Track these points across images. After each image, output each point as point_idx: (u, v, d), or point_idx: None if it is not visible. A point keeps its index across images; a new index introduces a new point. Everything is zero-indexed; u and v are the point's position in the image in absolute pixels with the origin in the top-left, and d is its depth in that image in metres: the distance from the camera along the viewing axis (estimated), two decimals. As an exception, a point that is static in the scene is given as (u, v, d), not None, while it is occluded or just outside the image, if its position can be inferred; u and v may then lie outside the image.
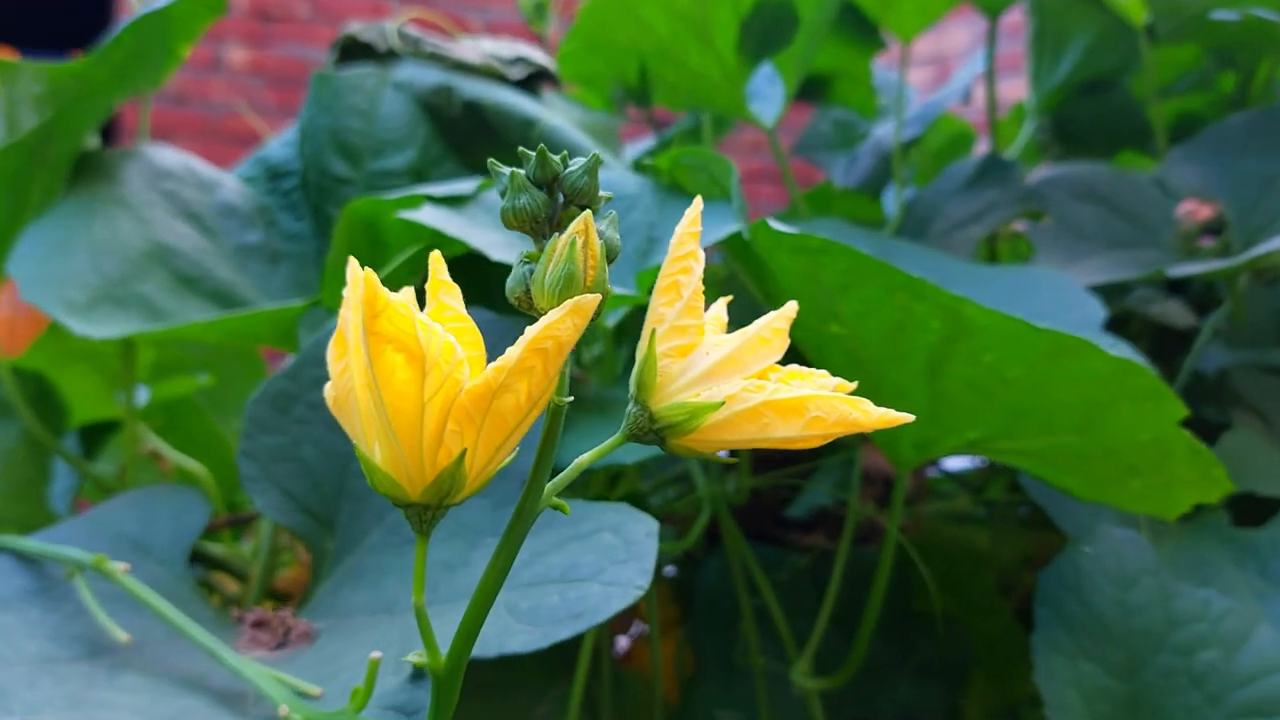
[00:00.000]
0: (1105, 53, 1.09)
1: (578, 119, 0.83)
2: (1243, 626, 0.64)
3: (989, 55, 1.00)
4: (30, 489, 0.82)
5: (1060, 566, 0.69)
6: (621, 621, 0.99)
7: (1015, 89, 1.29)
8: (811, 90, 1.20)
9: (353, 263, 0.36)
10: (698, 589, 0.92)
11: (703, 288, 0.37)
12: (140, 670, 0.51)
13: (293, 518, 0.59)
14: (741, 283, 0.76)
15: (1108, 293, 0.93)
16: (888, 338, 0.61)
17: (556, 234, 0.34)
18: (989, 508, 1.01)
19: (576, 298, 0.32)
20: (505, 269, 0.39)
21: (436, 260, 0.34)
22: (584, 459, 0.35)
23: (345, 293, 0.33)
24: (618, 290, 0.53)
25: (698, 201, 0.38)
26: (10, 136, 0.68)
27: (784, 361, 0.40)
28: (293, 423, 0.60)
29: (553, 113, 0.80)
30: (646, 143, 1.09)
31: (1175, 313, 0.91)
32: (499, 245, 0.62)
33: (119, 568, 0.51)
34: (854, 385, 0.39)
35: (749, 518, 0.94)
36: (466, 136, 0.80)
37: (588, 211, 0.34)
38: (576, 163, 0.35)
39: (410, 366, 0.31)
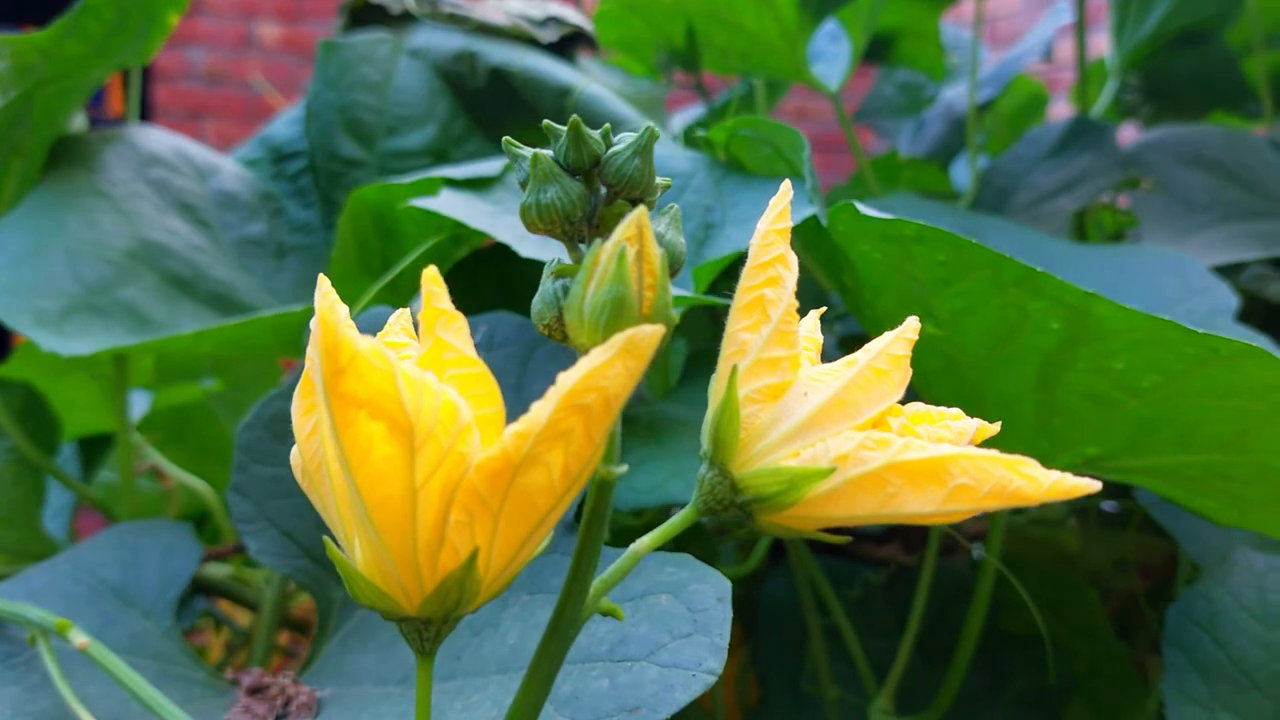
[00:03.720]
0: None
1: (618, 87, 0.73)
2: None
3: (1079, 2, 0.89)
4: (22, 512, 0.74)
5: (1191, 601, 0.59)
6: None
7: (1091, 46, 1.18)
8: (873, 50, 1.09)
9: (321, 284, 0.27)
10: (761, 606, 0.83)
11: (797, 304, 0.28)
12: (109, 758, 0.43)
13: (293, 563, 0.51)
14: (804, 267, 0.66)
15: (1220, 272, 0.83)
16: (994, 340, 0.51)
17: (599, 239, 0.24)
18: (1074, 509, 0.91)
19: (630, 331, 0.23)
20: (537, 266, 0.30)
21: (433, 281, 0.24)
22: (642, 545, 0.26)
23: (311, 325, 0.24)
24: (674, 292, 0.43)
25: (786, 186, 0.28)
26: (-28, 121, 0.60)
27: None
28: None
29: (590, 80, 0.70)
30: (693, 113, 0.99)
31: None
32: (529, 238, 0.52)
33: (80, 641, 0.43)
34: (997, 428, 0.30)
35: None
36: (493, 110, 0.71)
37: (641, 208, 0.24)
38: (623, 140, 0.25)
39: (394, 439, 0.22)
